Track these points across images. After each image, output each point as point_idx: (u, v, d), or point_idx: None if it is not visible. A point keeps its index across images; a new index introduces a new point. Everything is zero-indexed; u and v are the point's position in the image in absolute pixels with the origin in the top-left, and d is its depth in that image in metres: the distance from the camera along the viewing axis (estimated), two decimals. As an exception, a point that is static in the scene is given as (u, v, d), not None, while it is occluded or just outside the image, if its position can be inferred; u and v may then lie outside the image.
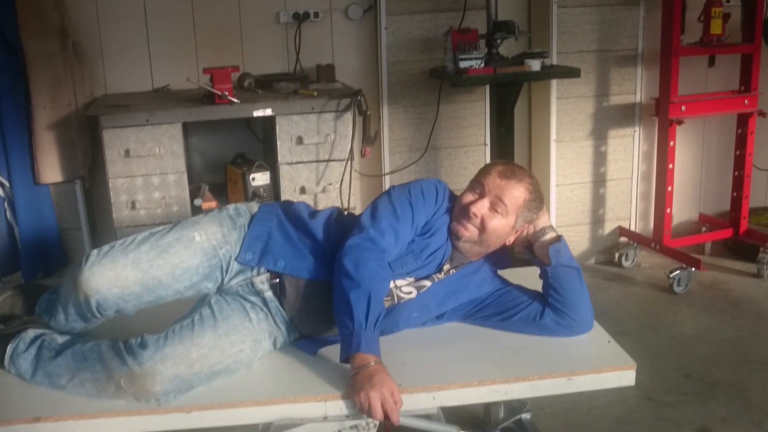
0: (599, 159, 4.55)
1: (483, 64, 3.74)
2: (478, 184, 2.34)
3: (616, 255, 4.57)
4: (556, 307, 2.30)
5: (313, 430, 2.11)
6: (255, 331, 2.21)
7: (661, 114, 4.19)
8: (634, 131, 4.52)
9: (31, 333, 2.22)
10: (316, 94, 3.63)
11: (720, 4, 4.10)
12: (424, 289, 2.34)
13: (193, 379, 2.08)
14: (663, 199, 4.27)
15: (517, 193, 2.31)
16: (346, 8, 4.17)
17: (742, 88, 4.37)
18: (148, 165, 3.48)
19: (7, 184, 3.73)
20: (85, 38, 3.93)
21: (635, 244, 4.56)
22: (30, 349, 2.17)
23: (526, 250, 2.44)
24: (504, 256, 2.47)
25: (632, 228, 4.70)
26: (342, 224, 2.36)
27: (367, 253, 2.16)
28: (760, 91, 4.34)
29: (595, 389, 2.20)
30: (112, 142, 3.44)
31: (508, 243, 2.40)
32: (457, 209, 2.36)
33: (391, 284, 2.29)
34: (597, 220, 4.65)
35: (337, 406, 2.07)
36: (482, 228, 2.32)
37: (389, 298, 2.29)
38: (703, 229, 4.78)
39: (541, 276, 2.37)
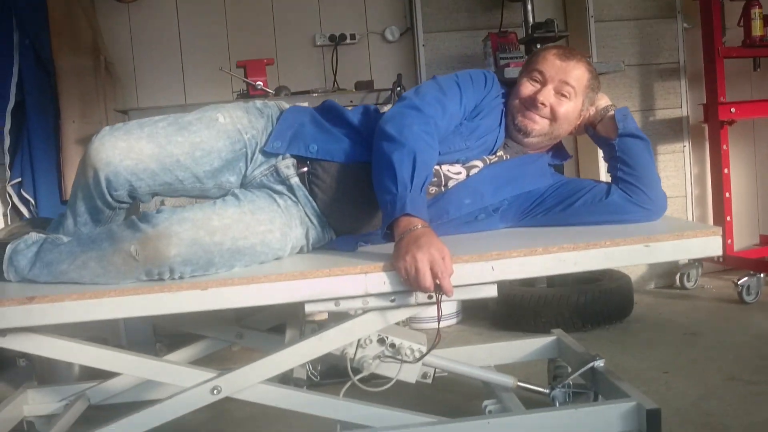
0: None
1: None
2: (536, 72, 2.18)
3: (677, 277, 4.29)
4: (625, 179, 2.08)
5: (346, 331, 1.89)
6: (284, 215, 1.99)
7: (711, 118, 4.04)
8: (684, 146, 4.36)
9: (34, 235, 2.00)
10: (355, 89, 3.54)
11: (759, 5, 4.02)
12: (474, 170, 2.12)
13: (213, 251, 1.83)
14: (721, 205, 4.05)
15: (579, 72, 2.16)
16: (382, 30, 4.16)
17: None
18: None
19: (32, 201, 3.62)
20: (118, 57, 3.93)
21: (696, 263, 4.28)
22: (32, 247, 1.95)
23: (587, 131, 2.25)
24: (562, 149, 2.29)
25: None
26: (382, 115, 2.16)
27: (411, 118, 1.97)
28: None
29: (676, 259, 1.95)
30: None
31: (574, 129, 2.22)
32: (519, 103, 2.19)
33: (437, 167, 2.08)
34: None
35: (380, 281, 1.81)
36: (553, 117, 2.15)
37: (436, 179, 2.07)
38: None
39: (606, 158, 2.17)
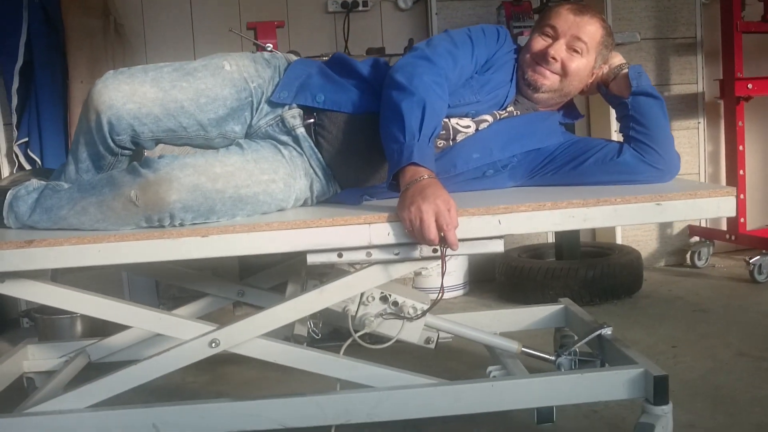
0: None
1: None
2: (548, 27, 2.13)
3: (688, 255, 4.24)
4: (638, 139, 2.03)
5: (348, 285, 1.85)
6: (288, 166, 1.95)
7: (727, 93, 3.97)
8: (698, 123, 4.29)
9: (35, 182, 1.98)
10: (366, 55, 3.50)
11: (781, -21, 3.95)
12: (483, 124, 2.08)
13: (214, 199, 1.79)
14: (735, 183, 3.98)
15: (593, 28, 2.11)
16: (395, -3, 4.11)
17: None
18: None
19: (38, 161, 3.60)
20: (128, 18, 3.89)
21: (708, 242, 4.22)
22: (32, 193, 1.92)
23: (599, 90, 2.20)
24: (573, 108, 2.24)
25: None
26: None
27: (421, 68, 1.92)
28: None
29: (688, 218, 1.91)
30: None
31: (585, 87, 2.17)
32: (529, 58, 2.14)
33: (446, 120, 2.03)
34: (665, 218, 4.34)
35: (384, 232, 1.77)
36: (563, 72, 2.10)
37: (444, 132, 2.03)
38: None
39: (618, 118, 2.13)
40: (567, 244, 3.73)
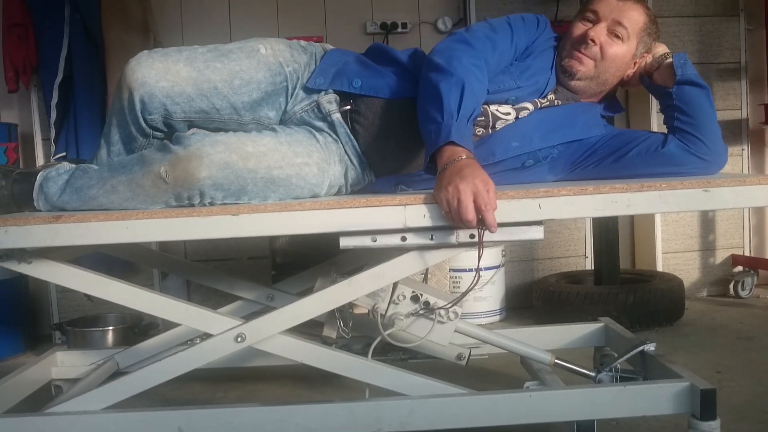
0: (706, 181, 4.21)
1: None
2: (589, 12, 2.09)
3: (731, 285, 4.12)
4: (683, 129, 1.96)
5: (378, 275, 1.78)
6: (323, 151, 1.92)
7: (774, 118, 3.88)
8: (743, 150, 4.20)
9: (66, 165, 1.97)
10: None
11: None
12: (524, 112, 2.03)
13: (246, 178, 1.76)
14: (781, 210, 3.88)
15: (635, 14, 2.06)
16: (435, 20, 4.08)
17: None
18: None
19: (76, 175, 3.59)
20: (168, 36, 3.90)
21: (752, 271, 4.10)
22: (63, 175, 1.91)
23: (642, 81, 2.14)
24: (615, 101, 2.18)
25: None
26: None
27: (460, 51, 1.89)
28: None
29: (737, 207, 1.83)
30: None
31: (626, 77, 2.11)
32: (569, 44, 2.10)
33: (485, 107, 1.99)
34: (707, 247, 4.24)
35: (419, 214, 1.71)
36: (601, 56, 2.05)
37: (483, 118, 1.98)
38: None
39: (662, 109, 2.06)
40: (606, 269, 3.64)
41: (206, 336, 1.93)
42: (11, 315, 3.48)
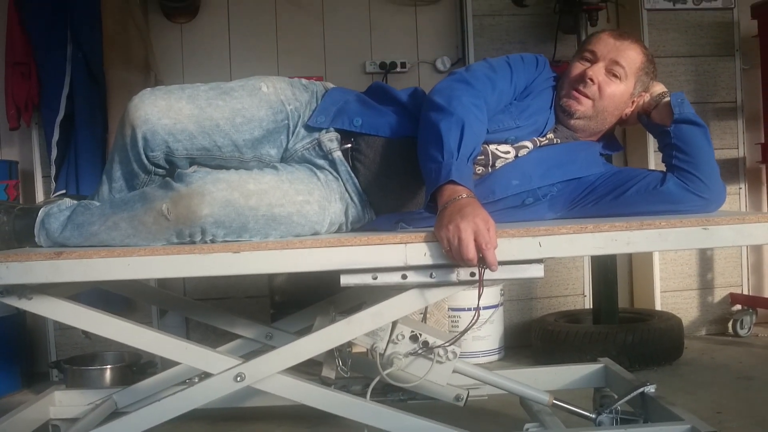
0: (704, 220, 4.22)
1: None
2: (587, 52, 2.12)
3: (730, 324, 4.11)
4: (681, 167, 1.98)
5: (377, 314, 1.78)
6: (323, 189, 1.93)
7: (770, 157, 3.91)
8: (740, 188, 4.22)
9: (68, 201, 1.98)
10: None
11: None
12: (523, 151, 2.04)
13: (247, 216, 1.77)
14: (780, 248, 3.89)
15: (633, 54, 2.09)
16: (434, 60, 4.13)
17: None
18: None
19: (76, 213, 3.59)
20: (169, 75, 3.92)
21: (750, 310, 4.09)
22: (64, 211, 1.92)
23: (640, 120, 2.16)
24: (614, 139, 2.20)
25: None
26: None
27: (459, 90, 1.91)
28: None
29: (736, 245, 1.83)
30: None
31: (624, 116, 2.13)
32: (567, 83, 2.12)
33: (485, 146, 2.01)
34: (706, 285, 4.24)
35: (420, 252, 1.72)
36: (600, 95, 2.06)
37: (483, 157, 2.00)
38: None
39: (660, 147, 2.08)
40: (605, 308, 3.64)
41: (205, 375, 1.93)
42: (9, 352, 3.47)
